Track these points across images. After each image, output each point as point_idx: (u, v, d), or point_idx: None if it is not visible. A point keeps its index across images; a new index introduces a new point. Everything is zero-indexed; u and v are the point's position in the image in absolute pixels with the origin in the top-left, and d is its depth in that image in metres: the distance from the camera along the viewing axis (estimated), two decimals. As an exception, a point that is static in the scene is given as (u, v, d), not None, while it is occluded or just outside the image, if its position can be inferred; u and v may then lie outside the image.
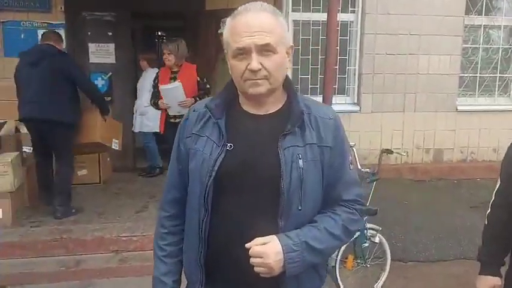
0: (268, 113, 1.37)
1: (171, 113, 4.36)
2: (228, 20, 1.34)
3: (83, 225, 3.97)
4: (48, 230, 3.88)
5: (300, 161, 1.30)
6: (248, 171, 1.31)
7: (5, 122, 4.39)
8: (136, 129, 5.91)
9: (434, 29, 5.95)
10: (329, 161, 1.35)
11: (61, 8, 5.32)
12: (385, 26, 5.87)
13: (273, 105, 1.38)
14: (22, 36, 5.31)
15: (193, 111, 1.45)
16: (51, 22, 5.32)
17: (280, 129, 1.32)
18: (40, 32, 5.28)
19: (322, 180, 1.36)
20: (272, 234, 1.28)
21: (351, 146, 3.34)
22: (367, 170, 3.20)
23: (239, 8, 1.32)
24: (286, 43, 1.34)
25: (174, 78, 4.37)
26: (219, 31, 4.41)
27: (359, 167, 3.23)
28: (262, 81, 1.29)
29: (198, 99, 4.11)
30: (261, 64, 1.27)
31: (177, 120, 4.20)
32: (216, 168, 1.32)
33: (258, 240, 1.26)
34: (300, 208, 1.31)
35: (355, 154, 3.29)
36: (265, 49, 1.27)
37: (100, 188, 5.24)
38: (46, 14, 5.30)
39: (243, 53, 1.28)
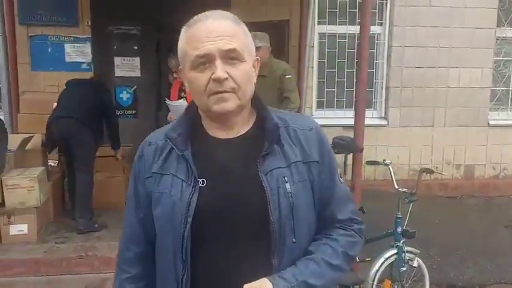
0: (239, 135, 1.16)
1: None
2: (183, 29, 1.14)
3: (107, 242, 3.88)
4: (73, 246, 3.82)
5: (287, 185, 1.11)
6: (229, 208, 1.10)
7: (32, 136, 4.37)
8: None
9: (465, 41, 5.81)
10: (318, 178, 1.17)
11: (88, 22, 5.34)
12: (413, 38, 5.76)
13: (244, 126, 1.17)
14: (49, 50, 5.35)
15: (149, 145, 1.20)
16: (77, 36, 5.33)
17: (257, 151, 1.12)
18: (67, 46, 5.33)
19: (313, 202, 1.18)
20: (265, 276, 1.07)
21: (386, 164, 3.22)
22: (405, 189, 3.03)
23: (195, 17, 1.14)
24: (252, 54, 1.16)
25: (184, 92, 4.10)
26: None
27: (395, 185, 3.08)
28: (230, 95, 1.09)
29: None
30: (228, 73, 1.07)
31: None
32: (191, 213, 1.08)
33: (246, 286, 1.05)
34: (294, 240, 1.12)
35: (392, 173, 3.14)
36: (230, 56, 1.08)
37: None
38: (73, 28, 5.32)
39: (205, 61, 1.08)
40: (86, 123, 4.16)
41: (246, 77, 1.11)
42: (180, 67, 1.16)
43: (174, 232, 1.10)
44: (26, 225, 3.79)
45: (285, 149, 1.14)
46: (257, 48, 4.20)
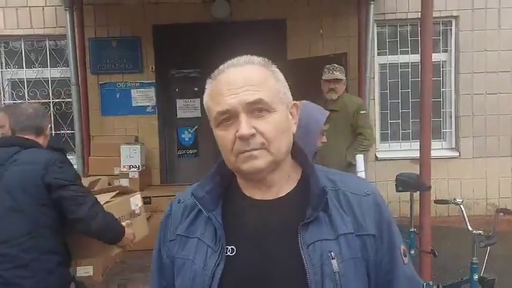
0: (279, 196, 1.01)
1: None
2: (208, 82, 1.03)
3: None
4: (134, 289, 3.87)
5: (334, 262, 0.92)
6: (260, 285, 0.94)
7: (99, 179, 4.56)
8: None
9: (542, 63, 5.35)
10: (375, 257, 0.97)
11: (152, 68, 5.61)
12: (483, 63, 5.41)
13: (285, 185, 1.02)
14: (118, 96, 5.66)
15: (178, 202, 1.08)
16: (143, 81, 5.63)
17: (299, 217, 0.95)
18: (133, 91, 5.63)
19: (368, 286, 0.98)
20: None
21: (457, 203, 2.93)
22: (480, 232, 2.73)
23: (220, 66, 1.03)
24: (286, 99, 1.01)
25: None
26: (323, 77, 3.95)
27: (469, 227, 2.80)
28: (259, 152, 0.95)
29: None
30: (255, 128, 0.94)
31: None
32: (214, 286, 0.93)
33: None
34: None
35: (464, 212, 2.86)
36: (257, 108, 0.95)
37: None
38: (139, 74, 5.62)
39: (229, 117, 0.95)
40: None
41: (278, 128, 0.96)
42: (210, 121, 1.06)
43: None
44: (92, 267, 3.90)
45: (333, 217, 0.97)
46: (337, 81, 4.06)
